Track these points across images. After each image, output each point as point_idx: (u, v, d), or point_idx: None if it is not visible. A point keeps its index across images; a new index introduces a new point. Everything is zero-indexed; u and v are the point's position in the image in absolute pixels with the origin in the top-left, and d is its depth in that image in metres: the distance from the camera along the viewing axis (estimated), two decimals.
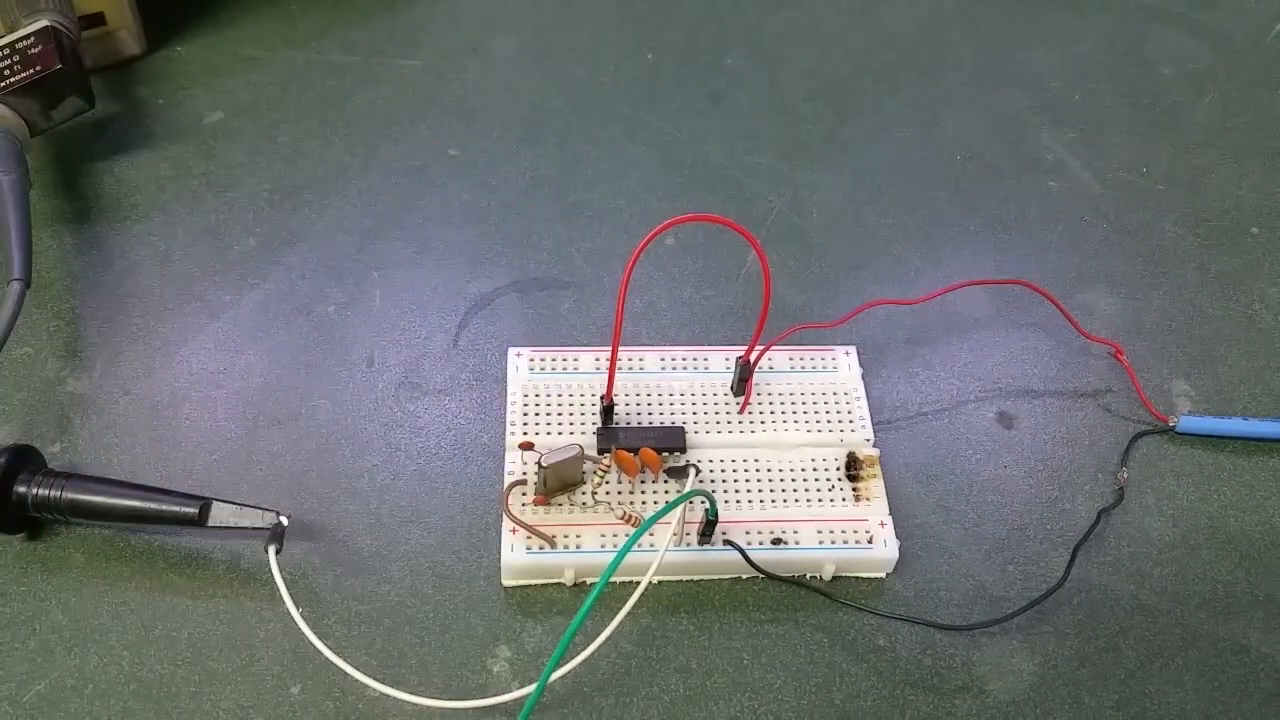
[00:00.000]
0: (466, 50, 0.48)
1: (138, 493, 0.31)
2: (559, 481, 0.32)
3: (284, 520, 0.31)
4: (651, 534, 0.30)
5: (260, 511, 0.31)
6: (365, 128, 0.44)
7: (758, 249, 0.30)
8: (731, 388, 0.35)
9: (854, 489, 0.33)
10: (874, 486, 0.33)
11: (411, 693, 0.29)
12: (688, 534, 0.31)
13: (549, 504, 0.32)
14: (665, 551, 0.30)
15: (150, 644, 0.30)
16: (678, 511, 0.30)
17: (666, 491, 0.33)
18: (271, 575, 0.30)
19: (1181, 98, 0.48)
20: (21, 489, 0.31)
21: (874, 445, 0.34)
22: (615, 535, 0.31)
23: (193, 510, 0.31)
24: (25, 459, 0.32)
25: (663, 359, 0.36)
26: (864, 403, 0.35)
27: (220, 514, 0.31)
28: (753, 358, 0.34)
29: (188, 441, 0.34)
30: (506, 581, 0.32)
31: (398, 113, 0.45)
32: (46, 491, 0.31)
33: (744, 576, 0.32)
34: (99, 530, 0.32)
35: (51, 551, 0.32)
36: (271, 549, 0.30)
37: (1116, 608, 0.32)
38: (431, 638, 0.31)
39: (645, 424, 0.34)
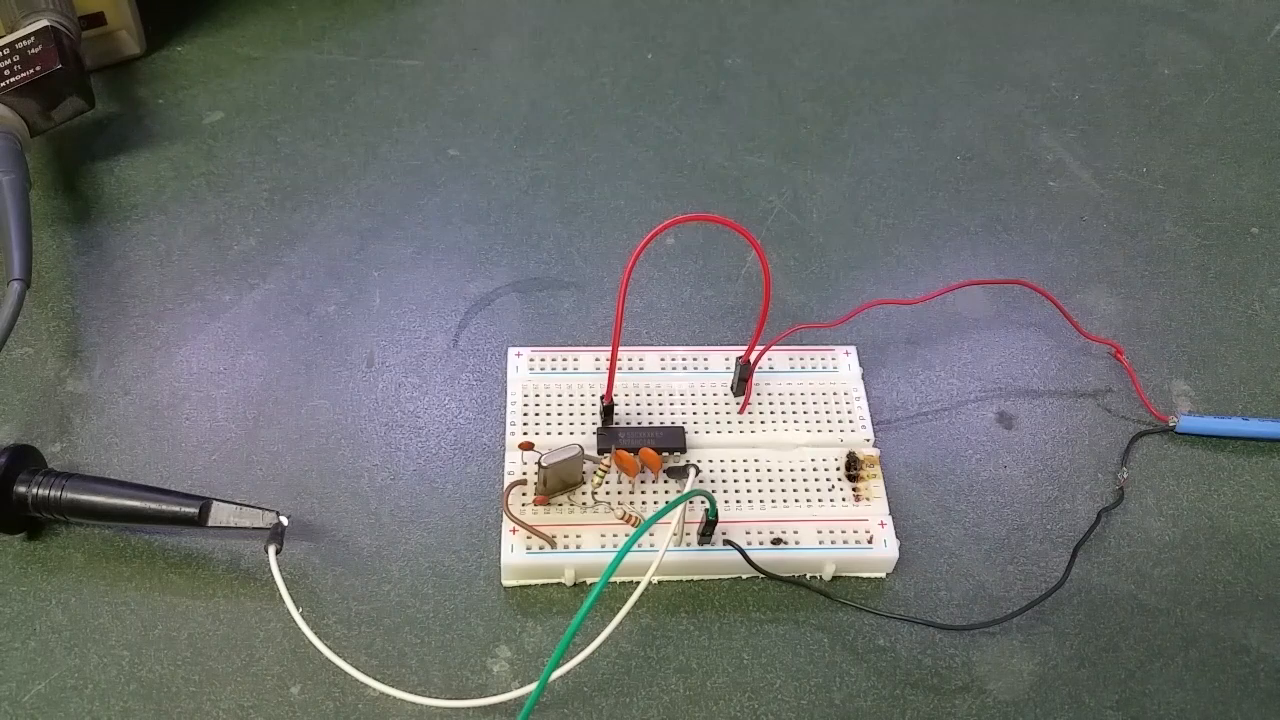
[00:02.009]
0: (466, 50, 0.48)
1: (138, 493, 0.31)
2: (559, 481, 0.32)
3: (284, 520, 0.31)
4: (651, 534, 0.30)
5: (260, 511, 0.31)
6: (365, 128, 0.44)
7: (758, 249, 0.30)
8: (731, 388, 0.35)
9: (854, 489, 0.33)
10: (874, 486, 0.33)
11: (411, 692, 0.29)
12: (688, 534, 0.31)
13: (549, 504, 0.32)
14: (665, 552, 0.30)
15: (150, 644, 0.30)
16: (677, 511, 0.30)
17: (666, 491, 0.33)
18: (271, 575, 0.30)
19: (1181, 98, 0.48)
20: (21, 489, 0.31)
21: (874, 445, 0.34)
22: (615, 535, 0.31)
23: (193, 510, 0.31)
24: (25, 459, 0.32)
25: (663, 359, 0.36)
26: (864, 403, 0.35)
27: (220, 514, 0.31)
28: (753, 358, 0.34)
29: (188, 441, 0.34)
30: (506, 581, 0.32)
31: (398, 113, 0.45)
32: (46, 491, 0.31)
33: (744, 576, 0.32)
34: (99, 530, 0.32)
35: (51, 551, 0.32)
36: (271, 549, 0.30)
37: (1116, 608, 0.32)
38: (431, 638, 0.31)
39: (645, 424, 0.34)
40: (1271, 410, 0.37)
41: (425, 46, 0.48)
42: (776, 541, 0.32)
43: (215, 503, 0.31)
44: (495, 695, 0.29)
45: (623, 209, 0.42)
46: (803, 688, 0.30)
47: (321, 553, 0.32)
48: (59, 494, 0.31)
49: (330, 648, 0.30)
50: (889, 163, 0.45)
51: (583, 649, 0.29)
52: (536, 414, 0.34)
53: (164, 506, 0.31)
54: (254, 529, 0.31)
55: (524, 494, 0.32)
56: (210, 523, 0.31)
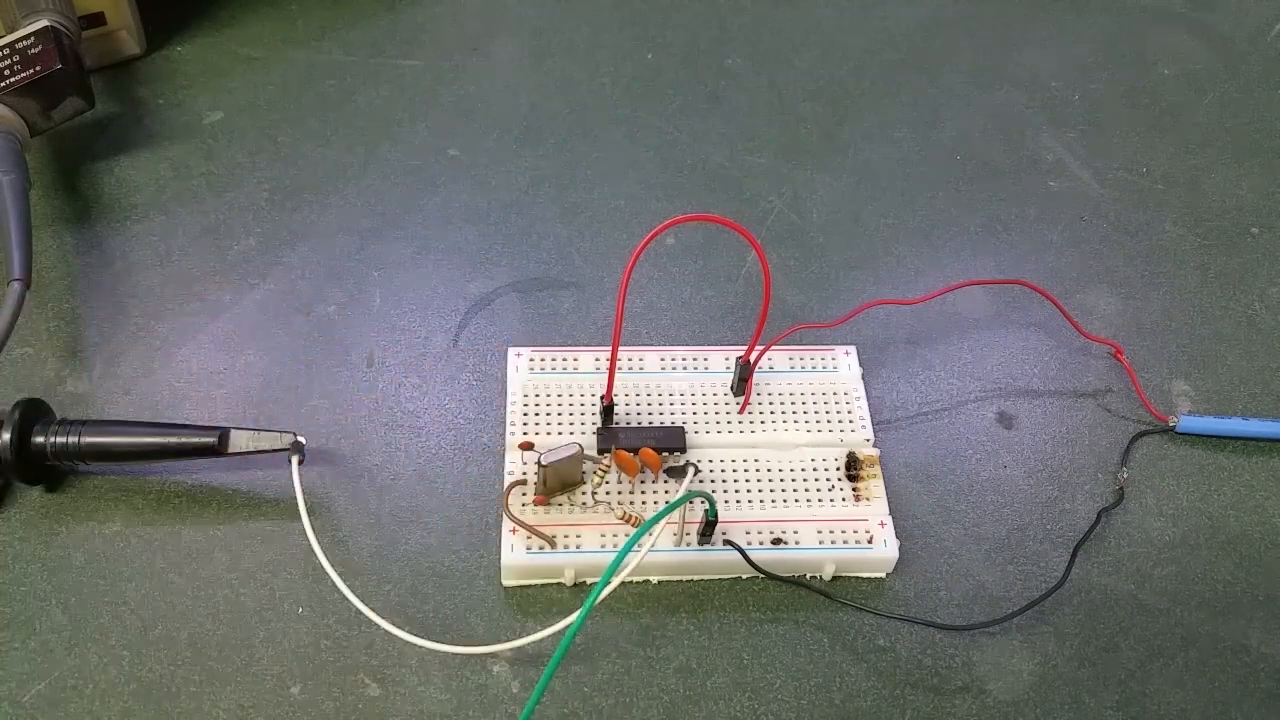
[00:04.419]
0: (466, 50, 0.48)
1: (156, 429, 0.32)
2: (559, 481, 0.32)
3: (301, 439, 0.32)
4: (651, 534, 0.30)
5: (278, 434, 0.32)
6: (365, 128, 0.44)
7: (758, 249, 0.30)
8: (731, 388, 0.35)
9: (854, 489, 0.33)
10: (874, 486, 0.33)
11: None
12: (688, 534, 0.31)
13: (549, 504, 0.32)
14: (648, 551, 0.30)
15: (150, 644, 0.30)
16: (675, 511, 0.30)
17: (666, 491, 0.33)
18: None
19: (1181, 98, 0.48)
20: (39, 439, 0.31)
21: (874, 445, 0.34)
22: (615, 535, 0.31)
23: (212, 439, 0.32)
24: (40, 410, 0.32)
25: (663, 359, 0.36)
26: (864, 403, 0.35)
27: (239, 440, 0.32)
28: (753, 358, 0.34)
29: None
30: (506, 581, 0.32)
31: (398, 113, 0.45)
32: (64, 439, 0.31)
33: (744, 576, 0.32)
34: (99, 528, 0.32)
35: (52, 550, 0.32)
36: (294, 460, 0.31)
37: (1116, 608, 0.32)
38: (432, 638, 0.31)
39: (645, 424, 0.34)
40: (1271, 410, 0.37)
41: (425, 46, 0.48)
42: (776, 541, 0.32)
43: (233, 430, 0.32)
44: (507, 641, 0.30)
45: (623, 209, 0.42)
46: (803, 688, 0.30)
47: (321, 554, 0.32)
48: (77, 440, 0.31)
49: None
50: (889, 163, 0.45)
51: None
52: (536, 414, 0.34)
53: (184, 439, 0.32)
54: (274, 450, 0.32)
55: (524, 494, 0.32)
56: (230, 449, 0.32)
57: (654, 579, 0.32)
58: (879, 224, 0.42)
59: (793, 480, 0.33)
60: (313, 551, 0.31)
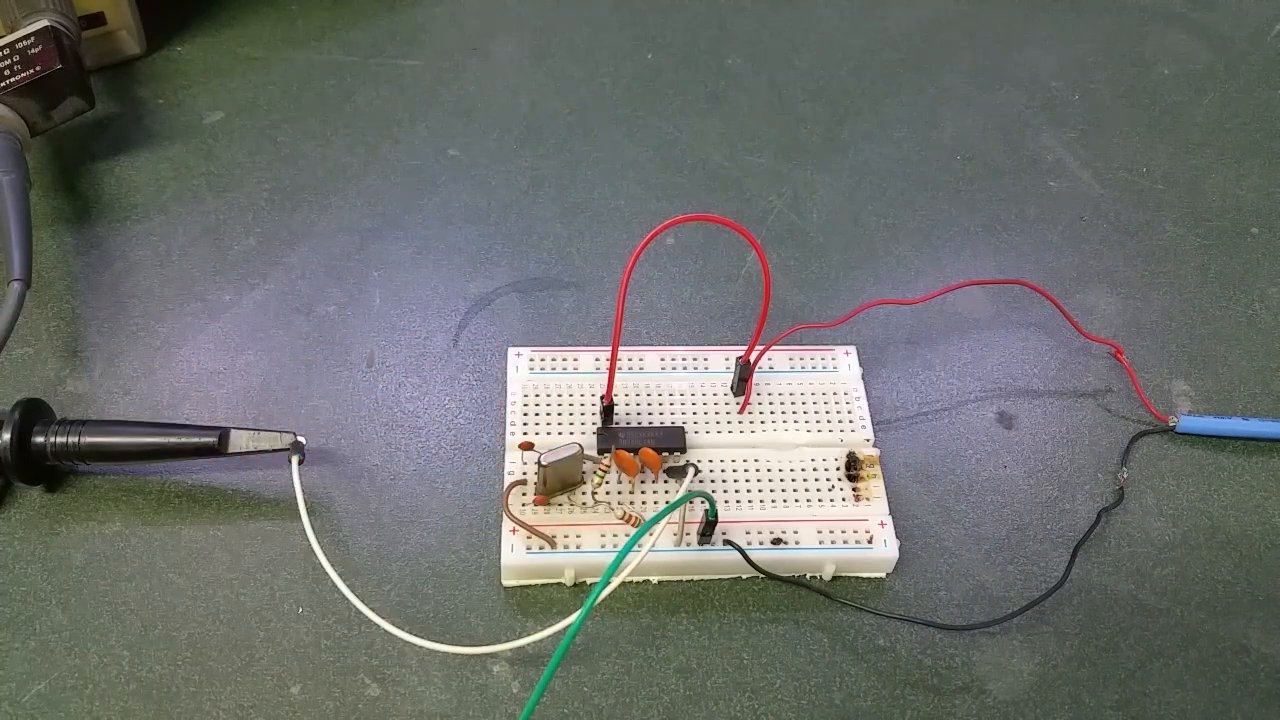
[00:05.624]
0: (466, 50, 0.48)
1: (157, 429, 0.32)
2: (559, 481, 0.32)
3: (301, 439, 0.32)
4: (651, 534, 0.30)
5: (278, 434, 0.32)
6: (365, 128, 0.44)
7: (758, 249, 0.30)
8: (731, 388, 0.35)
9: (854, 489, 0.33)
10: (874, 486, 0.33)
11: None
12: (688, 534, 0.31)
13: (549, 504, 0.32)
14: (649, 550, 0.30)
15: (150, 644, 0.30)
16: (675, 511, 0.30)
17: (666, 491, 0.33)
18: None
19: (1181, 98, 0.48)
20: (39, 439, 0.31)
21: (874, 445, 0.34)
22: (615, 535, 0.31)
23: (212, 439, 0.32)
24: (40, 410, 0.32)
25: (663, 359, 0.36)
26: (864, 403, 0.35)
27: (239, 440, 0.32)
28: (753, 358, 0.34)
29: None
30: (506, 581, 0.32)
31: (398, 113, 0.45)
32: (64, 439, 0.31)
33: (744, 576, 0.32)
34: (99, 528, 0.32)
35: (52, 550, 0.32)
36: (294, 460, 0.32)
37: (1116, 608, 0.32)
38: (432, 638, 0.31)
39: (645, 424, 0.34)
40: (1271, 410, 0.37)
41: (425, 46, 0.48)
42: (776, 541, 0.32)
43: (233, 430, 0.32)
44: (505, 639, 0.29)
45: (623, 209, 0.42)
46: (803, 688, 0.30)
47: (321, 554, 0.32)
48: (77, 440, 0.31)
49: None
50: (889, 163, 0.45)
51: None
52: (536, 414, 0.34)
53: (184, 439, 0.32)
54: (274, 450, 0.32)
55: (524, 494, 0.32)
56: (230, 449, 0.32)
57: (654, 579, 0.32)
58: (879, 224, 0.42)
59: (793, 480, 0.33)
60: (313, 551, 0.31)
